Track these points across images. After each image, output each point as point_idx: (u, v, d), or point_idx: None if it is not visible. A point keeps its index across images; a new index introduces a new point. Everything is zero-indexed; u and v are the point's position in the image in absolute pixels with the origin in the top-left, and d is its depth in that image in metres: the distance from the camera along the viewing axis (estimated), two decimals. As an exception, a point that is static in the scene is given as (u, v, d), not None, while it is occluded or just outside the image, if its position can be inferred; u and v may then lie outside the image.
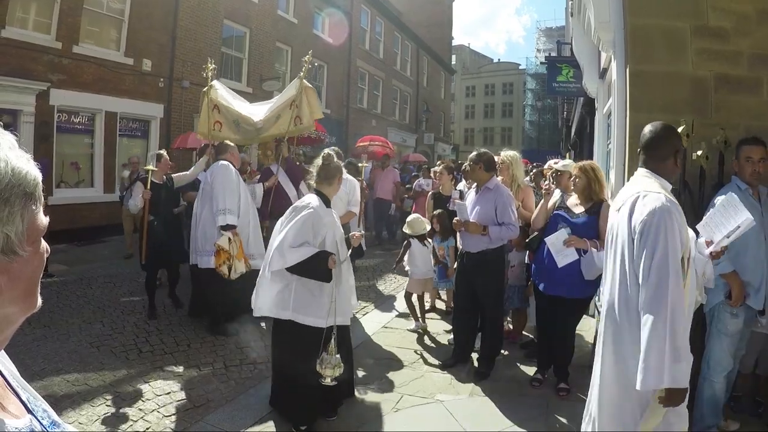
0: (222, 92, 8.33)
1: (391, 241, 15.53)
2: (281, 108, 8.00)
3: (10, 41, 12.53)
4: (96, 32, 15.05)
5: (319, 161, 4.90)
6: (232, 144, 7.46)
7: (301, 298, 4.53)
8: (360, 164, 9.55)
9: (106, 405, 4.90)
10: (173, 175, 8.08)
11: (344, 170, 7.94)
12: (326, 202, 4.76)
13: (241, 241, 6.86)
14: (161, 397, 5.09)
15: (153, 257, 7.53)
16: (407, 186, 16.03)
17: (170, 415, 4.76)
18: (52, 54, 13.59)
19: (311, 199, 4.69)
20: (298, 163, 9.43)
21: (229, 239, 6.61)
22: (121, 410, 4.82)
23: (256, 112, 8.23)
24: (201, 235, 7.08)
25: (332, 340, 4.25)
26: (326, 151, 5.04)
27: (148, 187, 7.31)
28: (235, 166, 7.17)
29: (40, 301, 1.08)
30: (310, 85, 8.11)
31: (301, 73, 7.88)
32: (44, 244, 1.07)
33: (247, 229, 7.13)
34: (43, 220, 1.04)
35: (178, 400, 5.04)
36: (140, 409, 4.85)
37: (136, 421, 4.63)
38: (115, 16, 15.52)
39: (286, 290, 4.56)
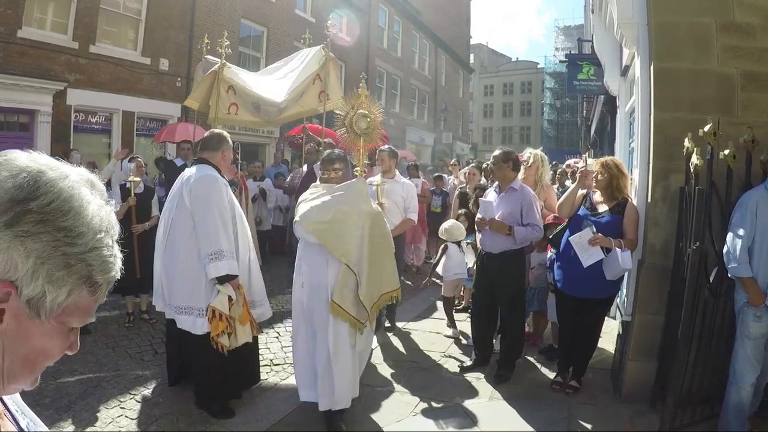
0: (237, 72, 7.64)
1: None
2: (305, 84, 7.45)
3: (27, 41, 12.63)
4: (113, 32, 15.14)
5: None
6: (228, 138, 5.05)
7: None
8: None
9: (120, 407, 4.85)
10: None
11: (397, 172, 7.67)
12: None
13: (244, 292, 4.83)
14: (176, 399, 5.03)
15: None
16: None
17: (185, 417, 4.70)
18: (69, 54, 13.69)
19: None
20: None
21: (230, 297, 4.58)
22: (135, 412, 4.78)
23: (277, 90, 7.56)
24: (176, 278, 4.81)
25: None
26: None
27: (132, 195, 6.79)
28: (222, 173, 4.95)
29: (37, 383, 0.96)
30: (333, 56, 7.55)
31: (324, 44, 7.38)
32: (76, 340, 0.98)
33: (245, 265, 4.99)
34: (90, 311, 0.95)
35: (194, 403, 4.96)
36: (155, 412, 4.80)
37: (150, 424, 4.59)
38: (132, 16, 15.60)
39: None
